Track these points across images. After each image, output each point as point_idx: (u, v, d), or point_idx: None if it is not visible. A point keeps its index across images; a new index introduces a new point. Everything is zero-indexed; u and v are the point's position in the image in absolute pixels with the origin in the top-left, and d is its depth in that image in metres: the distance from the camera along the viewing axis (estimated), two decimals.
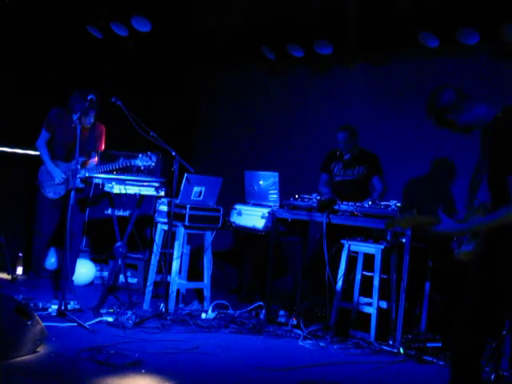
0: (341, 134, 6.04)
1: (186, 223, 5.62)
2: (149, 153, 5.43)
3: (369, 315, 5.10)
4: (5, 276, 6.25)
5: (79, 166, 5.77)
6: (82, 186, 5.74)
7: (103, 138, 5.98)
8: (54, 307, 5.06)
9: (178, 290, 5.74)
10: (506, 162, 2.94)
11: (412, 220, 3.30)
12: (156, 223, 5.99)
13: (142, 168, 5.49)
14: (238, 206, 6.13)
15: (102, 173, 5.56)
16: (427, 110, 3.31)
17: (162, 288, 5.60)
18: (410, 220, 3.28)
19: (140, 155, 5.43)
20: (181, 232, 5.70)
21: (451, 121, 3.25)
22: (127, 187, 5.51)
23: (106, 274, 6.74)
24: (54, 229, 6.06)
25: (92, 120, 5.81)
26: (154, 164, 5.48)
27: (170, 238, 5.43)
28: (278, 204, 5.78)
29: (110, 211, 6.19)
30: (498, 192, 3.02)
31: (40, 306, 5.17)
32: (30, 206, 6.34)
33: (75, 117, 5.80)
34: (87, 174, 5.60)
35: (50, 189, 5.90)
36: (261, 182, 6.00)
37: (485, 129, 3.18)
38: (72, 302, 5.25)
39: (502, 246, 3.01)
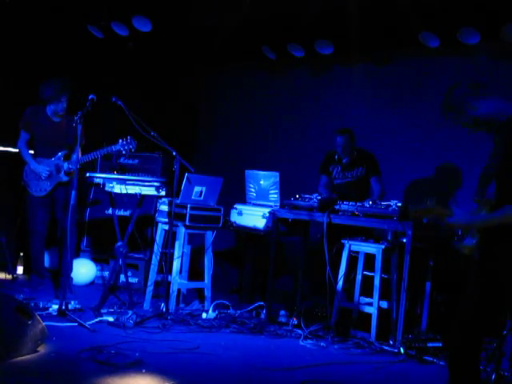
0: (339, 137, 5.93)
1: (187, 223, 5.62)
2: (128, 137, 5.49)
3: (369, 315, 5.10)
4: (5, 276, 6.26)
5: (62, 160, 5.82)
6: (66, 179, 5.79)
7: (83, 131, 5.97)
8: (55, 307, 5.07)
9: (178, 290, 5.74)
10: None
11: (431, 209, 3.28)
12: (157, 223, 5.99)
13: (124, 153, 5.59)
14: (239, 206, 6.12)
15: (85, 163, 5.69)
16: (443, 109, 3.22)
17: (162, 288, 5.60)
18: (429, 209, 3.25)
19: (120, 140, 5.52)
20: (181, 232, 5.70)
21: (469, 116, 3.15)
22: (128, 187, 5.53)
23: (106, 273, 6.75)
24: (47, 227, 6.07)
25: (64, 106, 5.83)
26: (134, 148, 5.55)
27: (170, 238, 5.43)
28: (278, 204, 5.78)
29: (110, 211, 6.19)
30: (505, 190, 3.00)
31: (40, 305, 5.18)
32: (20, 208, 6.34)
33: (49, 110, 5.84)
34: (71, 167, 5.67)
35: (35, 187, 5.92)
36: (261, 182, 6.00)
37: (499, 126, 3.12)
38: (73, 302, 5.26)
39: (501, 245, 3.00)
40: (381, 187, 5.95)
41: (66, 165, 5.82)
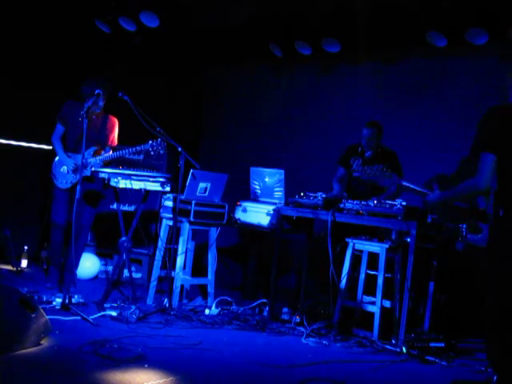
0: (366, 130, 5.88)
1: (191, 219, 5.63)
2: (159, 139, 5.47)
3: (372, 314, 5.09)
4: (10, 268, 6.29)
5: (91, 155, 5.79)
6: (89, 173, 5.76)
7: (115, 132, 5.95)
8: (59, 300, 5.09)
9: (181, 286, 5.76)
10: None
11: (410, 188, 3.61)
12: (161, 218, 6.00)
13: (152, 153, 5.55)
14: (243, 203, 6.13)
15: (115, 159, 5.70)
16: None
17: (166, 283, 5.61)
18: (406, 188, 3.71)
19: (150, 141, 5.47)
20: (186, 228, 5.71)
21: None
22: (133, 182, 5.52)
23: (110, 268, 6.76)
24: (68, 222, 6.07)
25: (101, 104, 5.80)
26: (162, 151, 5.52)
27: (174, 234, 5.44)
28: (283, 201, 5.77)
29: (115, 206, 6.21)
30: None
31: (44, 298, 5.19)
32: (44, 200, 6.35)
33: (86, 106, 5.83)
34: (98, 162, 5.69)
35: (62, 179, 5.91)
36: (266, 179, 6.00)
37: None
38: (76, 296, 5.27)
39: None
40: (396, 188, 5.88)
41: (93, 160, 5.78)
